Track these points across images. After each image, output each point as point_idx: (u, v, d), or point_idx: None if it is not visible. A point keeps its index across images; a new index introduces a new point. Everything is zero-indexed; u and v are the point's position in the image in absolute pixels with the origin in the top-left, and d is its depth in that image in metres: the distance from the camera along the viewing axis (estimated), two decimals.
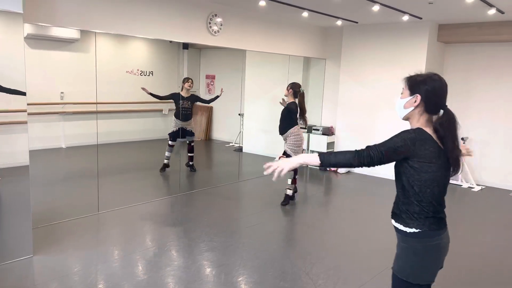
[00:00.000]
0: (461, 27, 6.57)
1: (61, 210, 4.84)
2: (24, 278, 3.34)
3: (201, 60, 9.71)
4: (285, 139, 5.39)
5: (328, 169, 7.74)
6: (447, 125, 1.85)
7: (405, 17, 5.99)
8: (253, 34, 6.32)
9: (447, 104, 1.92)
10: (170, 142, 6.65)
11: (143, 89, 6.32)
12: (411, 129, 1.88)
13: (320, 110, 8.16)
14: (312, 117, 8.26)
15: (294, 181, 5.73)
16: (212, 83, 9.59)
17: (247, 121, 8.70)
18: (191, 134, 6.77)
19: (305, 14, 6.00)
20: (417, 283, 1.90)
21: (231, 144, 9.32)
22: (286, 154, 5.20)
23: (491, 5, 5.06)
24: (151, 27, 5.02)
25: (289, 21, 6.88)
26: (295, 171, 5.57)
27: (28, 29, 6.28)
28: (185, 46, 8.54)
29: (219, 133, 9.77)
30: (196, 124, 9.64)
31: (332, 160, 1.85)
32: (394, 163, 1.94)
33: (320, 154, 1.86)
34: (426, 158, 1.82)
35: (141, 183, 6.35)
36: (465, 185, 6.84)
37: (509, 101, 6.58)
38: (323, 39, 7.81)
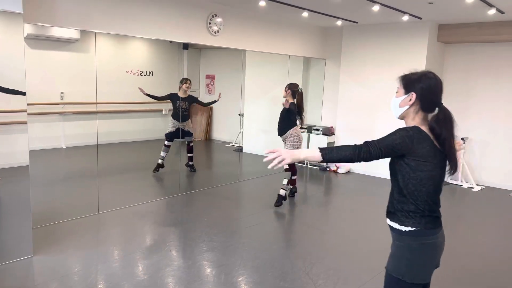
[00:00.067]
0: (461, 27, 6.57)
1: (61, 210, 4.84)
2: (24, 278, 3.34)
3: (201, 60, 9.71)
4: (284, 140, 5.39)
5: (328, 169, 7.75)
6: (443, 123, 1.85)
7: (405, 17, 5.99)
8: (253, 34, 6.32)
9: (443, 102, 1.91)
10: (166, 142, 6.62)
11: (140, 89, 6.31)
12: (408, 127, 1.87)
13: (320, 110, 8.16)
14: (312, 117, 8.27)
15: (293, 182, 5.74)
16: (212, 83, 9.59)
17: (247, 121, 8.70)
18: (190, 134, 6.77)
19: (305, 14, 6.00)
20: (412, 282, 1.89)
21: (231, 144, 9.32)
22: None
23: (491, 5, 5.06)
24: (151, 27, 5.02)
25: (289, 21, 6.88)
26: (294, 171, 5.57)
27: (28, 29, 6.28)
28: (185, 46, 8.54)
29: (219, 133, 9.76)
30: (196, 124, 9.65)
31: (333, 156, 1.84)
32: (389, 161, 1.95)
33: (322, 150, 1.85)
34: (422, 157, 1.82)
35: (141, 183, 6.35)
36: (465, 185, 6.84)
37: (509, 101, 6.58)
38: (323, 39, 7.81)
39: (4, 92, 3.40)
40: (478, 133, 6.88)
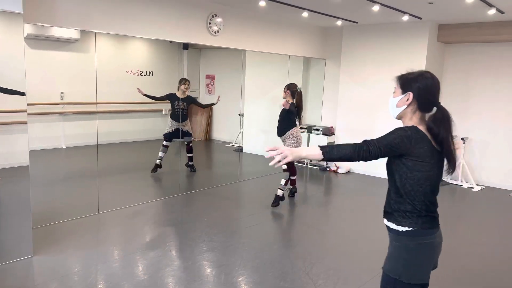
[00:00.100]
0: (461, 27, 6.58)
1: (61, 210, 4.84)
2: (24, 278, 3.34)
3: (201, 60, 9.71)
4: (283, 141, 5.37)
5: (328, 169, 7.75)
6: (441, 122, 1.84)
7: (405, 17, 5.99)
8: (253, 34, 6.33)
9: (441, 102, 1.91)
10: (164, 143, 6.60)
11: (138, 90, 6.30)
12: (406, 127, 1.87)
13: (320, 110, 8.16)
14: (312, 117, 8.27)
15: (293, 182, 5.74)
16: (212, 83, 9.59)
17: (247, 121, 8.70)
18: (188, 134, 6.76)
19: (305, 14, 6.00)
20: (409, 282, 1.88)
21: (231, 144, 9.32)
22: None
23: (491, 5, 5.06)
24: (151, 27, 5.02)
25: (289, 21, 6.88)
26: (293, 171, 5.58)
27: (28, 29, 6.28)
28: (185, 46, 8.54)
29: (219, 133, 9.77)
30: (196, 124, 9.65)
31: (334, 154, 1.83)
32: (386, 161, 1.94)
33: (322, 148, 1.84)
34: (420, 157, 1.82)
35: (141, 183, 6.35)
36: (465, 185, 6.84)
37: (509, 101, 6.58)
38: (323, 39, 7.81)
39: (3, 92, 3.40)
40: (478, 133, 6.88)
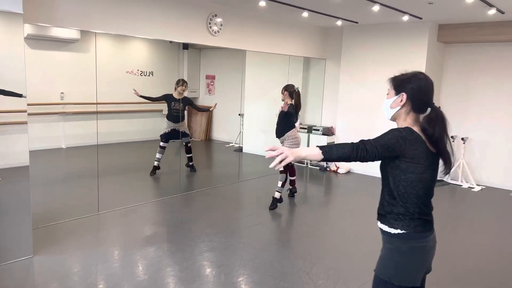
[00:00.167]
0: (461, 27, 6.58)
1: (61, 210, 4.84)
2: (24, 279, 3.34)
3: (201, 60, 9.71)
4: (282, 142, 5.35)
5: (328, 169, 7.75)
6: (435, 122, 1.83)
7: (405, 17, 5.99)
8: (253, 34, 6.33)
9: (435, 102, 1.90)
10: (161, 144, 6.57)
11: (134, 91, 6.29)
12: (400, 128, 1.86)
13: (320, 110, 8.16)
14: (312, 117, 8.28)
15: (293, 182, 5.74)
16: (212, 83, 9.59)
17: (247, 121, 8.70)
18: (186, 135, 6.75)
19: (305, 14, 6.00)
20: (400, 285, 1.87)
21: (231, 144, 9.32)
22: None
23: (491, 5, 5.06)
24: (151, 27, 5.02)
25: (289, 21, 6.88)
26: (292, 171, 5.57)
27: (28, 29, 6.29)
28: (185, 46, 8.54)
29: (219, 133, 9.77)
30: (196, 124, 9.66)
31: (333, 154, 1.81)
32: (380, 163, 1.93)
33: (321, 148, 1.82)
34: (413, 158, 1.81)
35: (141, 183, 6.35)
36: (465, 185, 6.84)
37: (509, 101, 6.58)
38: (323, 39, 7.81)
39: (1, 94, 3.40)
40: (478, 133, 6.88)
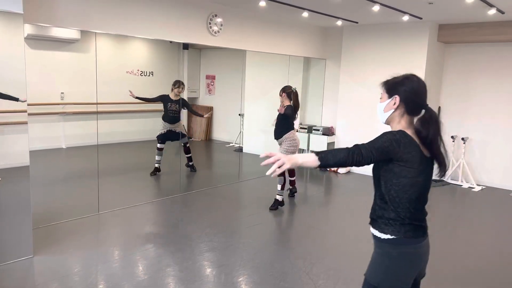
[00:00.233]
0: (461, 27, 6.58)
1: (61, 210, 4.84)
2: (25, 279, 3.34)
3: (201, 60, 9.71)
4: (280, 144, 5.34)
5: (328, 169, 7.75)
6: (428, 123, 1.82)
7: (405, 17, 5.99)
8: (253, 34, 6.33)
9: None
10: (158, 145, 6.55)
11: (130, 92, 6.28)
12: (394, 131, 1.84)
13: (320, 110, 8.16)
14: (312, 117, 8.28)
15: (293, 182, 5.74)
16: (212, 83, 9.59)
17: (247, 121, 8.70)
18: (183, 136, 6.74)
19: (305, 14, 6.00)
20: None
21: (231, 144, 9.32)
22: None
23: (491, 5, 5.06)
24: (151, 27, 5.02)
25: (289, 21, 6.88)
26: (292, 172, 5.56)
27: (28, 29, 6.28)
28: (185, 46, 8.54)
29: (219, 133, 9.77)
30: (196, 124, 9.66)
31: (329, 160, 1.79)
32: (372, 166, 1.91)
33: (317, 154, 1.80)
34: (407, 162, 1.79)
35: (141, 184, 6.35)
36: (465, 185, 6.84)
37: (509, 101, 6.58)
38: (323, 39, 7.81)
39: None
40: (478, 133, 6.88)
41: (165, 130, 6.56)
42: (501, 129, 6.68)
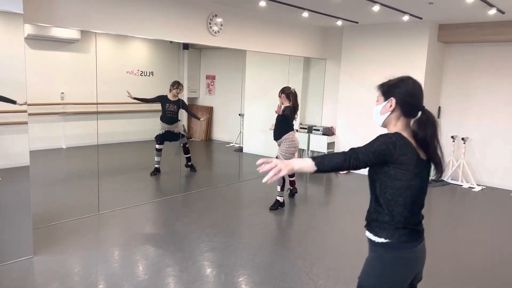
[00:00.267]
0: (461, 27, 6.57)
1: (61, 210, 4.84)
2: (25, 279, 3.34)
3: (202, 60, 9.71)
4: (279, 145, 5.33)
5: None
6: (425, 125, 1.81)
7: (405, 17, 5.99)
8: (253, 34, 6.33)
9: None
10: (157, 146, 6.54)
11: (128, 93, 6.27)
12: (389, 133, 1.83)
13: (320, 110, 8.16)
14: (312, 117, 8.27)
15: (293, 182, 5.74)
16: (212, 83, 9.59)
17: (247, 121, 8.70)
18: (182, 136, 6.73)
19: (305, 14, 6.00)
20: None
21: (231, 144, 9.32)
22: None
23: (491, 5, 5.06)
24: (151, 28, 5.02)
25: (289, 21, 6.88)
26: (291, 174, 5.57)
27: (28, 29, 6.28)
28: (185, 46, 8.54)
29: (219, 134, 9.77)
30: (196, 125, 9.65)
31: (326, 164, 1.77)
32: (368, 169, 1.90)
33: (314, 159, 1.77)
34: (403, 164, 1.77)
35: (141, 184, 6.35)
36: (465, 185, 6.84)
37: (509, 101, 6.58)
38: (323, 39, 7.81)
39: None
40: (479, 133, 6.88)
41: (163, 130, 6.55)
42: (501, 129, 6.68)
